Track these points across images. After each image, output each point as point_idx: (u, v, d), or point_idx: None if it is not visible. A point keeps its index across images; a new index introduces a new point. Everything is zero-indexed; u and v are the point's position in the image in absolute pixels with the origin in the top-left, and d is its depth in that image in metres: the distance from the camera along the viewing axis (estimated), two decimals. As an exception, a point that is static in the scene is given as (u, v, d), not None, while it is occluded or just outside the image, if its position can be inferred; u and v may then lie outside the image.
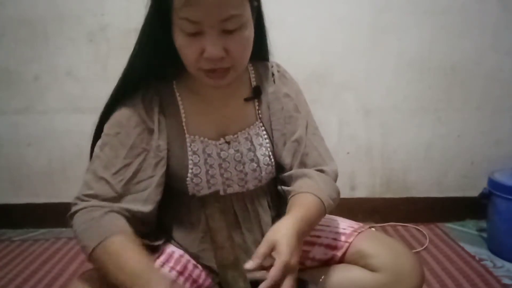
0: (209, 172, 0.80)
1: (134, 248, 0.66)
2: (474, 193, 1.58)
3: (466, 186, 1.74)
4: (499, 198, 1.45)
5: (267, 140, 0.84)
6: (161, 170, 0.77)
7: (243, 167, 0.81)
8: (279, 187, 0.86)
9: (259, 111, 0.84)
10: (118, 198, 0.73)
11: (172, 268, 0.80)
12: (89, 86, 1.66)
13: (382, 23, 1.62)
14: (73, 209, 0.72)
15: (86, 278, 0.70)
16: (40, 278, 1.37)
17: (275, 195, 0.90)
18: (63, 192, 1.75)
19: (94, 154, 0.78)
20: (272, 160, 0.84)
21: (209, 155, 0.80)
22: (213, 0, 0.64)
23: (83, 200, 0.72)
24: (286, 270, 0.61)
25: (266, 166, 0.83)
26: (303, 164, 0.84)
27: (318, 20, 1.62)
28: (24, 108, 1.70)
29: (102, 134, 0.79)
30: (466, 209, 1.74)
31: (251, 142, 0.82)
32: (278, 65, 0.90)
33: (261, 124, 0.84)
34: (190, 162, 0.79)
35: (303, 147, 0.84)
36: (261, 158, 0.82)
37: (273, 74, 0.87)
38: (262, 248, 0.63)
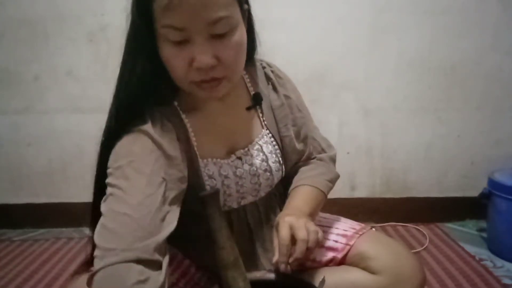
0: (226, 192, 0.78)
1: None
2: (474, 193, 1.58)
3: (466, 186, 1.74)
4: (499, 198, 1.45)
5: (276, 146, 0.83)
6: (180, 203, 0.67)
7: (258, 179, 0.80)
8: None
9: (263, 119, 0.82)
10: (147, 236, 0.57)
11: (174, 271, 0.80)
12: (89, 86, 1.66)
13: (382, 23, 1.62)
14: (93, 269, 0.55)
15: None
16: (40, 278, 1.37)
17: (282, 193, 0.91)
18: (63, 192, 1.75)
19: (105, 197, 0.62)
20: (282, 165, 0.84)
21: (225, 176, 0.76)
22: (197, 1, 0.58)
23: (104, 250, 0.55)
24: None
25: (277, 172, 0.83)
26: (307, 158, 0.89)
27: (318, 20, 1.62)
28: (24, 108, 1.69)
29: (109, 171, 0.64)
30: (466, 209, 1.74)
31: (263, 152, 0.81)
32: (269, 65, 0.86)
33: (267, 131, 0.82)
34: (207, 188, 0.75)
35: (309, 144, 0.87)
36: (273, 166, 0.81)
37: (269, 78, 0.84)
38: (283, 232, 0.67)
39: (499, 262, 1.44)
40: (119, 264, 0.53)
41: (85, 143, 1.70)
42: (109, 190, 0.61)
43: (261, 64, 0.85)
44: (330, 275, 0.79)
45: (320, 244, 0.69)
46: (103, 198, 0.61)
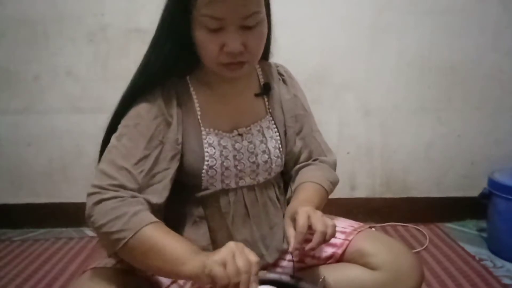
0: (224, 164, 0.81)
1: (171, 234, 0.68)
2: (474, 193, 1.58)
3: (466, 186, 1.74)
4: (499, 198, 1.45)
5: (277, 134, 0.87)
6: (175, 164, 0.78)
7: (256, 158, 0.84)
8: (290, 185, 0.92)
9: (269, 107, 0.88)
10: (140, 189, 0.72)
11: None
12: (89, 86, 1.66)
13: (382, 23, 1.62)
14: (97, 197, 0.68)
15: (92, 276, 0.71)
16: (40, 278, 1.37)
17: (282, 189, 0.94)
18: (63, 192, 1.75)
19: (110, 144, 0.76)
20: (282, 153, 0.88)
21: (224, 147, 0.82)
22: None
23: (107, 189, 0.69)
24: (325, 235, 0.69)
25: (276, 158, 0.86)
26: (308, 158, 0.93)
27: (319, 20, 1.62)
28: (24, 108, 1.69)
29: (120, 126, 0.77)
30: (466, 209, 1.74)
31: (263, 134, 0.86)
32: (282, 66, 0.95)
33: (271, 118, 0.88)
34: (206, 154, 0.80)
35: (309, 143, 0.92)
36: (272, 150, 0.86)
37: (281, 75, 0.92)
38: (301, 220, 0.70)
39: (499, 262, 1.45)
40: (121, 198, 0.69)
41: (85, 143, 1.70)
42: (113, 141, 0.75)
43: (275, 64, 0.94)
44: (329, 272, 0.80)
45: (332, 237, 0.71)
46: (109, 144, 0.76)
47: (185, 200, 0.84)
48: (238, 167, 0.82)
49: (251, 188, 0.85)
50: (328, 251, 0.84)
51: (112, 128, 0.79)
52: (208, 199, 0.82)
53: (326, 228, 0.68)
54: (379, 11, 1.61)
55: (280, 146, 0.87)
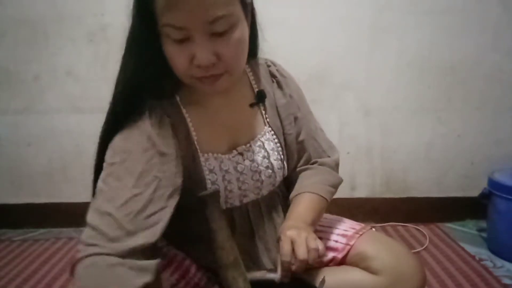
0: (228, 187, 0.78)
1: None
2: (474, 193, 1.58)
3: (466, 186, 1.74)
4: (499, 198, 1.45)
5: (278, 144, 0.83)
6: (174, 200, 0.67)
7: (260, 176, 0.80)
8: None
9: (266, 116, 0.82)
10: (125, 235, 0.59)
11: (173, 272, 0.79)
12: (89, 86, 1.66)
13: (382, 23, 1.62)
14: (77, 256, 0.59)
15: None
16: (40, 278, 1.37)
17: (285, 193, 0.91)
18: (63, 192, 1.75)
19: (97, 189, 0.65)
20: (285, 162, 0.84)
21: (226, 171, 0.77)
22: (196, 2, 0.59)
23: (86, 245, 0.59)
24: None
25: (279, 170, 0.83)
26: (307, 161, 0.88)
27: (318, 20, 1.62)
28: (24, 108, 1.69)
29: (104, 165, 0.67)
30: (466, 209, 1.74)
31: (265, 149, 0.80)
32: (273, 63, 0.87)
33: (269, 128, 0.82)
34: (208, 181, 0.75)
35: (307, 146, 0.87)
36: (275, 163, 0.81)
37: (274, 76, 0.85)
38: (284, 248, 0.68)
39: (499, 262, 1.44)
40: (97, 256, 0.57)
41: (85, 143, 1.70)
42: (99, 185, 0.65)
43: (266, 62, 0.85)
44: (330, 275, 0.79)
45: (321, 258, 0.70)
46: (96, 190, 0.65)
47: (187, 220, 0.80)
48: (242, 188, 0.79)
49: (255, 203, 0.83)
50: (329, 255, 0.84)
51: (98, 169, 0.70)
52: (208, 199, 0.82)
53: (307, 255, 0.66)
54: (379, 11, 1.61)
55: (282, 156, 0.83)
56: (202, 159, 0.75)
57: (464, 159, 1.74)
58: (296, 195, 0.82)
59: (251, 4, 0.71)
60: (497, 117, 1.70)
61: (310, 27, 1.61)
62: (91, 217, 0.62)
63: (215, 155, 0.76)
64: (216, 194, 0.75)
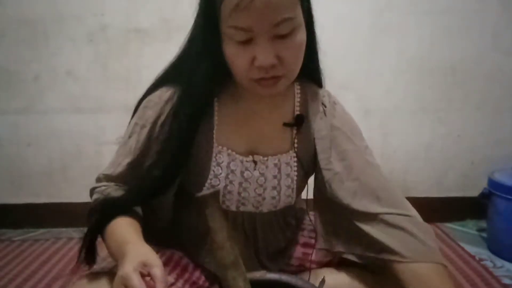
0: (228, 187, 0.77)
1: (125, 225, 0.69)
2: (474, 193, 1.58)
3: (466, 186, 1.74)
4: (499, 198, 1.45)
5: (296, 173, 0.79)
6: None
7: (263, 192, 0.78)
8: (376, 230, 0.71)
9: (295, 141, 0.78)
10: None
11: (171, 271, 0.79)
12: (89, 86, 1.66)
13: (383, 23, 1.62)
14: (93, 185, 0.78)
15: (90, 281, 0.70)
16: (40, 278, 1.37)
17: (289, 219, 0.88)
18: (63, 192, 1.75)
19: (125, 133, 0.78)
20: (294, 193, 0.80)
21: (232, 171, 0.76)
22: (264, 4, 0.59)
23: (99, 179, 0.78)
24: None
25: (285, 197, 0.80)
26: (379, 203, 0.73)
27: (318, 20, 1.61)
28: (24, 108, 1.69)
29: (134, 118, 0.78)
30: (466, 209, 1.74)
31: (279, 170, 0.77)
32: (329, 95, 0.84)
33: (294, 154, 0.78)
34: (211, 173, 0.75)
35: (367, 185, 0.75)
36: (283, 188, 0.79)
37: (324, 105, 0.81)
38: None
39: (499, 262, 1.45)
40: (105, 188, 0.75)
41: (85, 143, 1.70)
42: (128, 130, 0.77)
43: (324, 92, 0.84)
44: (329, 275, 0.79)
45: None
46: (125, 133, 0.78)
47: (185, 210, 0.82)
48: (242, 195, 0.78)
49: (251, 216, 0.81)
50: (328, 255, 0.84)
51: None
52: (208, 199, 0.82)
53: None
54: (379, 11, 1.61)
55: (295, 186, 0.79)
56: (215, 150, 0.76)
57: (464, 159, 1.74)
58: (414, 262, 0.66)
59: (308, 9, 0.72)
60: (497, 117, 1.70)
61: (310, 27, 1.61)
62: (114, 157, 0.79)
63: (229, 151, 0.76)
64: (216, 194, 0.75)
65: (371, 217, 0.71)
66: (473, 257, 1.46)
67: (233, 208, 0.80)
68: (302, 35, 0.67)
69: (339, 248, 0.77)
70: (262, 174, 0.77)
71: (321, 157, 0.77)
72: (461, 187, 1.76)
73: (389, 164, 1.75)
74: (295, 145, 0.78)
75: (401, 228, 0.69)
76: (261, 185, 0.77)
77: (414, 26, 1.62)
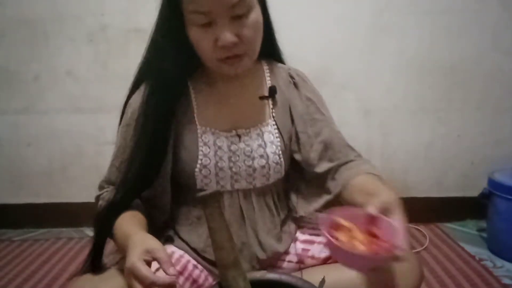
0: (218, 164, 0.80)
1: (127, 219, 0.73)
2: (474, 193, 1.58)
3: (466, 186, 1.74)
4: (499, 198, 1.45)
5: (279, 139, 0.84)
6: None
7: (252, 162, 0.81)
8: (330, 184, 0.85)
9: (273, 110, 0.85)
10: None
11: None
12: (89, 86, 1.66)
13: (382, 23, 1.62)
14: (97, 193, 0.83)
15: (93, 276, 0.72)
16: (40, 278, 1.37)
17: (282, 195, 0.91)
18: (63, 192, 1.75)
19: (116, 137, 0.84)
20: (282, 160, 0.84)
21: (219, 147, 0.81)
22: None
23: (101, 186, 0.84)
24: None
25: (275, 165, 0.83)
26: (331, 160, 0.87)
27: (318, 20, 1.62)
28: (24, 108, 1.70)
29: (122, 121, 0.83)
30: (466, 209, 1.74)
31: (262, 138, 0.83)
32: (297, 70, 0.91)
33: (274, 123, 0.84)
34: (200, 152, 0.80)
35: (332, 146, 0.86)
36: (270, 155, 0.82)
37: (292, 77, 0.89)
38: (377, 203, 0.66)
39: (499, 262, 1.45)
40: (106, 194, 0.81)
41: (85, 143, 1.70)
42: (117, 136, 0.84)
43: (289, 67, 0.91)
44: (329, 273, 0.79)
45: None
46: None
47: (183, 202, 0.85)
48: (233, 169, 0.81)
49: (247, 192, 0.84)
50: (327, 251, 0.84)
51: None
52: (208, 199, 0.82)
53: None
54: (379, 11, 1.61)
55: (280, 152, 0.83)
56: (199, 131, 0.81)
57: (464, 159, 1.74)
58: (353, 178, 0.81)
59: None
60: (497, 117, 1.70)
61: (309, 27, 1.61)
62: (111, 161, 0.84)
63: (212, 129, 0.81)
64: (216, 194, 0.75)
65: (332, 172, 0.85)
66: (473, 257, 1.46)
67: (228, 187, 0.82)
68: (257, 14, 0.74)
69: (314, 208, 0.87)
70: (248, 145, 0.82)
71: (297, 122, 0.86)
72: (461, 187, 1.76)
73: (389, 164, 1.75)
74: (273, 115, 0.85)
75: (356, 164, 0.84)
76: (249, 156, 0.82)
77: (414, 26, 1.62)
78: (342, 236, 0.62)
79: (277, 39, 0.88)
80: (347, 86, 1.67)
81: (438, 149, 1.73)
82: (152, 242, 0.64)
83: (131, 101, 0.82)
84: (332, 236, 0.60)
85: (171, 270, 0.60)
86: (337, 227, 0.63)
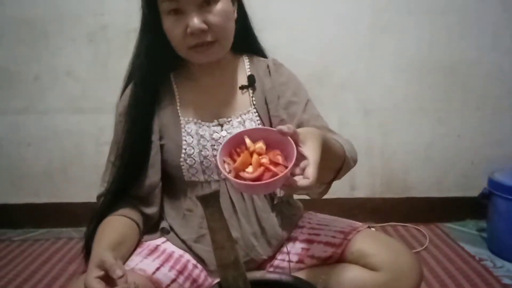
0: (202, 153, 0.83)
1: (102, 228, 0.79)
2: (474, 193, 1.58)
3: (466, 186, 1.74)
4: (499, 198, 1.45)
5: (260, 125, 0.86)
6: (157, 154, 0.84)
7: None
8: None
9: (253, 99, 0.88)
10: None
11: (172, 268, 0.81)
12: (89, 86, 1.66)
13: (382, 23, 1.62)
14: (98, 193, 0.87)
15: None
16: (40, 278, 1.37)
17: None
18: (63, 192, 1.75)
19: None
20: None
21: (202, 136, 0.84)
22: None
23: (102, 186, 0.87)
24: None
25: None
26: None
27: (318, 20, 1.62)
28: (24, 108, 1.70)
29: (115, 118, 0.89)
30: (466, 209, 1.74)
31: (244, 126, 0.85)
32: (274, 60, 0.94)
33: (255, 110, 0.87)
34: (184, 142, 0.83)
35: (307, 126, 0.84)
36: None
37: (268, 67, 0.91)
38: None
39: (499, 262, 1.44)
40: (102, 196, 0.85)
41: (85, 143, 1.70)
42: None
43: (269, 59, 0.94)
44: (330, 273, 0.80)
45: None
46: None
47: (173, 195, 0.88)
48: None
49: None
50: (327, 250, 0.84)
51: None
52: (208, 199, 0.82)
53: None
54: (379, 11, 1.61)
55: None
56: (182, 122, 0.85)
57: (464, 159, 1.74)
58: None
59: None
60: (497, 117, 1.70)
61: (309, 27, 1.62)
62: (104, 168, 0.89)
63: (195, 120, 0.85)
64: (216, 194, 0.75)
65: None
66: (473, 257, 1.46)
67: (215, 176, 0.85)
68: (226, 4, 0.78)
69: None
70: (230, 133, 0.84)
71: (270, 106, 0.87)
72: (461, 187, 1.76)
73: (389, 164, 1.75)
74: (254, 103, 0.87)
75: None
76: None
77: (414, 26, 1.62)
78: (241, 158, 0.60)
79: (258, 36, 0.92)
80: (347, 86, 1.67)
81: (438, 149, 1.73)
82: (101, 255, 0.67)
83: (123, 97, 0.87)
84: (231, 158, 0.61)
85: (118, 272, 0.63)
86: (242, 146, 0.62)
